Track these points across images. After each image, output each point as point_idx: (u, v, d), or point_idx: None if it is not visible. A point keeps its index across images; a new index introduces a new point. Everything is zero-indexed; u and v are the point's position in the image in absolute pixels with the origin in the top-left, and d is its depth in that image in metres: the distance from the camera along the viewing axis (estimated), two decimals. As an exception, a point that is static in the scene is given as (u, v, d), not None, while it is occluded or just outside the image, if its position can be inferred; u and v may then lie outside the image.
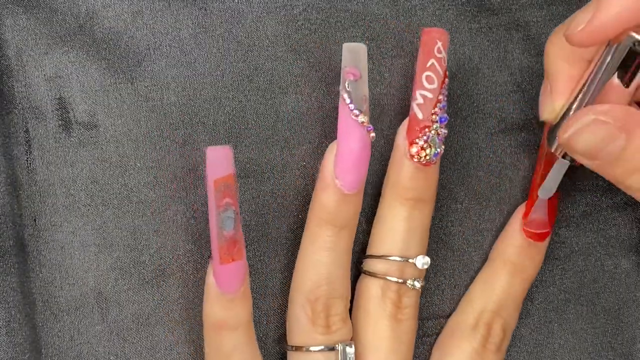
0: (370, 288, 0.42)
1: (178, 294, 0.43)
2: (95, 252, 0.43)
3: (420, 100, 0.41)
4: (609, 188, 0.45)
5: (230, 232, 0.38)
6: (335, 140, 0.41)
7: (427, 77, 0.40)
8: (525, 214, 0.43)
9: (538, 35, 0.45)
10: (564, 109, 0.39)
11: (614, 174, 0.37)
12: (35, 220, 0.43)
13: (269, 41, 0.44)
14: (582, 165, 0.38)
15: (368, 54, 0.40)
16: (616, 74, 0.37)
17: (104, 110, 0.43)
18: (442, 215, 0.45)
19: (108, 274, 0.43)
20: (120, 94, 0.43)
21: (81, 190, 0.43)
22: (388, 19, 0.44)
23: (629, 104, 0.38)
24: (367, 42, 0.44)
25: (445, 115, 0.41)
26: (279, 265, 0.44)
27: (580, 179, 0.45)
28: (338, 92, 0.40)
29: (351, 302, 0.42)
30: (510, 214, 0.45)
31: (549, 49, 0.39)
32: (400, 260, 0.41)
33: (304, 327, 0.41)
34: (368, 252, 0.43)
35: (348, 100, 0.40)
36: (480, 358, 0.42)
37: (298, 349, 0.41)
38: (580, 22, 0.36)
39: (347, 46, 0.40)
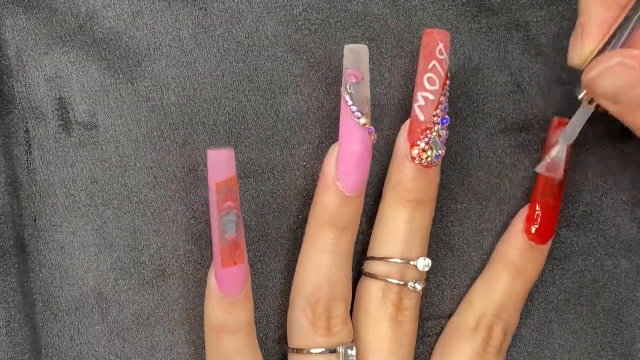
0: (371, 290, 0.42)
1: (178, 294, 0.43)
2: (95, 252, 0.43)
3: (421, 101, 0.40)
4: (609, 188, 0.45)
5: (232, 235, 0.38)
6: (336, 142, 0.40)
7: (429, 78, 0.40)
8: (528, 218, 0.43)
9: (538, 35, 0.45)
10: (593, 55, 0.38)
11: (636, 120, 0.37)
12: (35, 220, 0.43)
13: (269, 41, 0.44)
14: (605, 114, 0.37)
15: (368, 54, 0.40)
16: None
17: (104, 110, 0.43)
18: (442, 215, 0.44)
19: (108, 274, 0.43)
20: (120, 94, 0.43)
21: (81, 190, 0.43)
22: (388, 19, 0.44)
23: None
24: (367, 43, 0.44)
25: (447, 116, 0.41)
26: (279, 266, 0.44)
27: (580, 180, 0.45)
28: (338, 92, 0.40)
29: (351, 303, 0.42)
30: (510, 214, 0.45)
31: None
32: (401, 262, 0.41)
33: (304, 329, 0.41)
34: (369, 254, 0.43)
35: (350, 102, 0.39)
36: (481, 360, 0.42)
37: (299, 351, 0.41)
38: None
39: (348, 47, 0.40)
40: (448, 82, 0.41)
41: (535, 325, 0.45)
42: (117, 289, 0.43)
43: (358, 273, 0.43)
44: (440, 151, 0.41)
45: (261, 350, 0.42)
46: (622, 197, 0.46)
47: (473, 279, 0.45)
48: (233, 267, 0.38)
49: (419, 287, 0.42)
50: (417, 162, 0.41)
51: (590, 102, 0.40)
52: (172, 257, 0.43)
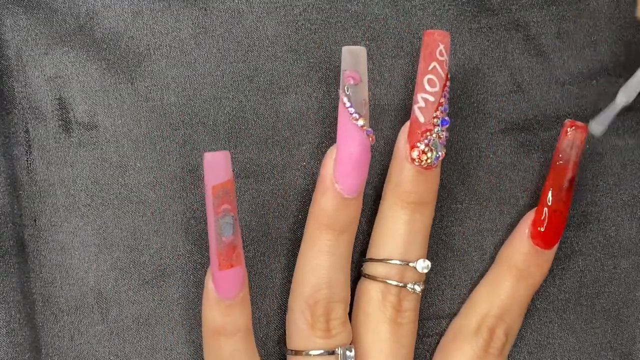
0: (371, 291, 0.42)
1: (178, 294, 0.43)
2: (95, 252, 0.43)
3: (421, 103, 0.40)
4: (609, 188, 0.45)
5: (229, 238, 0.38)
6: (334, 144, 0.40)
7: (429, 80, 0.40)
8: (535, 222, 0.42)
9: (538, 35, 0.45)
10: None
11: None
12: (35, 220, 0.43)
13: (269, 41, 0.44)
14: None
15: (368, 55, 0.40)
16: None
17: (104, 110, 0.43)
18: (442, 215, 0.44)
19: (108, 274, 0.43)
20: (120, 94, 0.43)
21: (81, 190, 0.43)
22: (388, 19, 0.44)
23: None
24: (367, 43, 0.44)
25: (447, 118, 0.41)
26: (279, 266, 0.44)
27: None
28: (338, 92, 0.40)
29: (351, 305, 0.42)
30: (510, 214, 0.45)
31: None
32: (400, 264, 0.41)
33: (303, 331, 0.41)
34: (368, 256, 0.42)
35: (348, 104, 0.39)
36: (482, 362, 0.42)
37: (298, 352, 0.41)
38: None
39: (347, 49, 0.39)
40: (448, 83, 0.41)
41: (536, 326, 0.45)
42: (117, 289, 0.43)
43: (357, 274, 0.43)
44: (440, 153, 0.41)
45: (261, 351, 0.42)
46: (622, 197, 0.46)
47: (473, 279, 0.45)
48: (230, 270, 0.38)
49: (418, 288, 0.42)
50: (416, 163, 0.41)
51: None
52: (172, 257, 0.43)
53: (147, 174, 0.43)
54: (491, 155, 0.45)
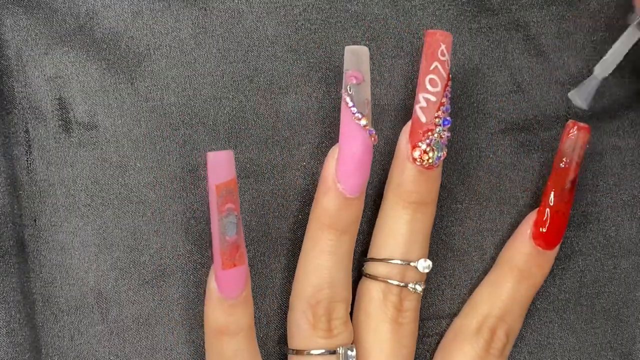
0: (372, 291, 0.42)
1: (178, 294, 0.43)
2: (95, 252, 0.43)
3: (423, 103, 0.40)
4: (609, 188, 0.45)
5: (232, 237, 0.38)
6: (336, 144, 0.40)
7: (431, 80, 0.40)
8: (537, 223, 0.42)
9: (538, 35, 0.45)
10: None
11: None
12: (35, 220, 0.43)
13: (269, 41, 0.44)
14: None
15: (369, 56, 0.40)
16: None
17: (104, 110, 0.43)
18: (442, 215, 0.44)
19: (108, 274, 0.43)
20: (120, 94, 0.43)
21: (81, 190, 0.43)
22: (388, 19, 0.44)
23: None
24: (367, 43, 0.44)
25: (449, 118, 0.41)
26: (279, 266, 0.44)
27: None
28: (338, 92, 0.40)
29: (352, 305, 0.42)
30: (510, 214, 0.45)
31: None
32: (401, 264, 0.41)
33: (305, 330, 0.41)
34: (369, 255, 0.42)
35: (350, 104, 0.39)
36: (483, 362, 0.42)
37: (299, 352, 0.41)
38: None
39: (349, 49, 0.39)
40: (450, 83, 0.41)
41: (536, 326, 0.45)
42: (117, 289, 0.43)
43: (359, 274, 0.43)
44: (441, 153, 0.41)
45: (262, 350, 0.42)
46: (622, 197, 0.46)
47: (473, 279, 0.45)
48: (233, 269, 0.38)
49: (419, 288, 0.42)
50: (418, 163, 0.41)
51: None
52: (172, 257, 0.43)
53: (147, 174, 0.43)
54: (491, 155, 0.45)
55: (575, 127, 0.41)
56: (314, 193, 0.42)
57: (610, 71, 0.41)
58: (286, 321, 0.42)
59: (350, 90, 0.39)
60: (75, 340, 0.43)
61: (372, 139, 0.40)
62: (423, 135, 0.41)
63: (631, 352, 0.45)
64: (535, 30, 0.45)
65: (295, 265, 0.42)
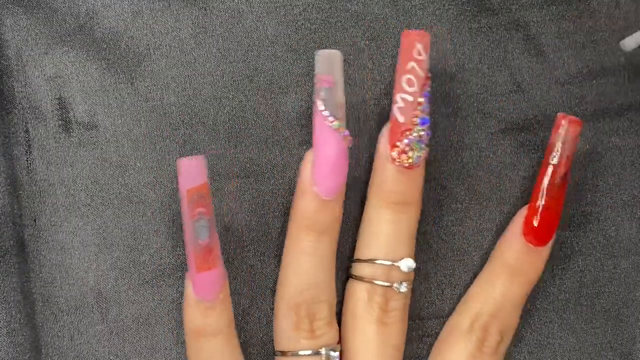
0: (357, 292, 0.42)
1: (178, 294, 0.43)
2: (95, 252, 0.43)
3: (400, 103, 0.40)
4: (609, 188, 0.45)
5: (205, 240, 0.38)
6: (312, 148, 0.40)
7: (408, 79, 0.40)
8: (527, 220, 0.42)
9: (538, 35, 0.45)
10: None
11: None
12: (35, 220, 0.43)
13: (269, 41, 0.44)
14: None
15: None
16: None
17: (104, 110, 0.43)
18: (442, 215, 0.44)
19: (108, 274, 0.43)
20: (120, 94, 0.43)
21: (81, 190, 0.43)
22: (388, 19, 0.44)
23: None
24: (367, 43, 0.44)
25: (427, 117, 0.40)
26: (279, 266, 0.44)
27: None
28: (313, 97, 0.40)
29: (341, 306, 0.43)
30: (510, 214, 0.45)
31: None
32: (386, 264, 0.41)
33: (288, 332, 0.41)
34: (355, 256, 0.42)
35: (322, 108, 0.39)
36: (475, 361, 0.42)
37: (284, 353, 0.41)
38: None
39: (320, 53, 0.39)
40: (429, 82, 0.41)
41: (536, 326, 0.45)
42: (117, 289, 0.43)
43: (347, 276, 0.43)
44: (422, 152, 0.41)
45: (262, 351, 0.42)
46: (622, 197, 0.46)
47: (473, 279, 0.45)
48: (207, 272, 0.39)
49: (404, 288, 0.42)
50: (397, 163, 0.41)
51: None
52: (172, 257, 0.43)
53: (147, 174, 0.43)
54: (491, 155, 0.45)
55: (566, 120, 0.41)
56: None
57: (637, 45, 0.40)
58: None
59: (322, 95, 0.39)
60: (75, 340, 0.43)
61: (347, 140, 0.40)
62: (401, 135, 0.40)
63: (631, 352, 0.45)
64: (535, 30, 0.45)
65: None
